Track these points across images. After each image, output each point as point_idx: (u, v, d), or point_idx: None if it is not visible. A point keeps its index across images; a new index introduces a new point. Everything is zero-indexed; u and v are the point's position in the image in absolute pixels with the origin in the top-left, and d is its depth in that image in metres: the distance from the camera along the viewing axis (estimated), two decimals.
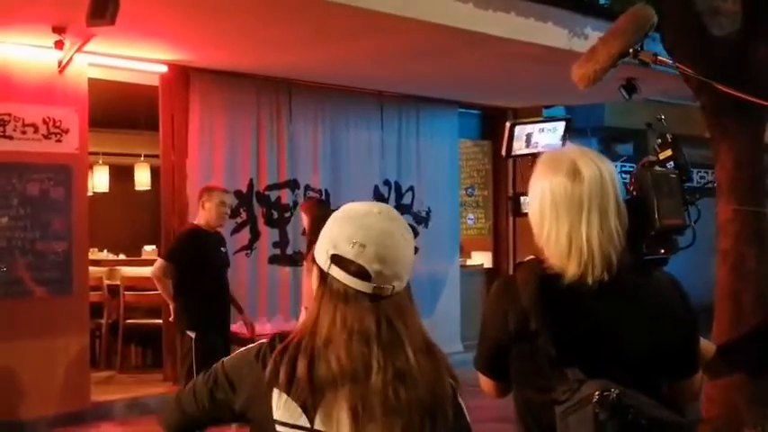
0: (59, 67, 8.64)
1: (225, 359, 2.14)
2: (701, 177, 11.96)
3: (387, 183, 11.77)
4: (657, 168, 2.64)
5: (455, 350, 11.48)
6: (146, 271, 10.50)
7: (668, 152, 2.69)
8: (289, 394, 1.92)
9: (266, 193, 10.53)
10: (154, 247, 12.28)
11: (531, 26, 8.71)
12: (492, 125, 13.24)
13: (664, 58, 3.07)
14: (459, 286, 12.61)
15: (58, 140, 8.73)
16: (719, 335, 5.28)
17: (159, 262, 7.59)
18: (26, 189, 8.53)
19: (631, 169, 2.63)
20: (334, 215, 2.04)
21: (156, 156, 10.63)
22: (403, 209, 11.84)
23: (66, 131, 8.77)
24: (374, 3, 7.47)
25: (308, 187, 10.83)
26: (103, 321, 10.66)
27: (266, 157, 10.52)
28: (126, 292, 10.56)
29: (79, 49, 8.40)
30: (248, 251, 10.27)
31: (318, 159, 11.04)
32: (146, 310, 10.31)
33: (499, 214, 13.59)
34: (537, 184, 2.45)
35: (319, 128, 11.06)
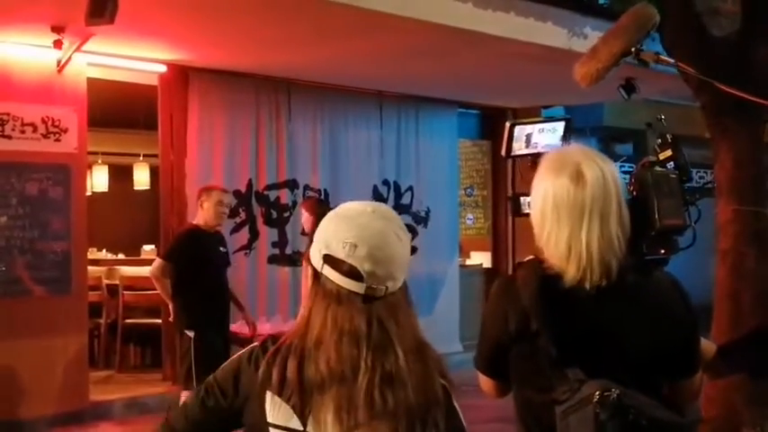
0: (58, 66, 8.63)
1: (217, 371, 2.12)
2: (701, 177, 11.96)
3: (386, 182, 11.77)
4: (657, 168, 2.64)
5: (454, 350, 11.48)
6: (145, 270, 10.50)
7: (668, 152, 2.69)
8: (280, 396, 1.91)
9: (265, 192, 10.53)
10: (153, 246, 12.27)
11: (531, 26, 8.71)
12: (491, 125, 13.23)
13: (665, 57, 3.07)
14: (458, 286, 12.61)
15: (57, 140, 8.72)
16: (719, 335, 5.28)
17: (158, 261, 7.59)
18: (25, 188, 8.53)
19: (631, 169, 2.63)
20: (329, 215, 2.03)
21: (156, 155, 10.63)
22: (402, 209, 11.84)
23: (65, 131, 8.77)
24: (373, 2, 7.47)
25: (307, 187, 10.83)
26: (102, 321, 10.66)
27: (265, 156, 10.51)
28: (125, 292, 10.55)
29: (78, 49, 8.41)
30: (247, 251, 10.27)
31: (317, 159, 11.04)
32: (145, 309, 10.32)
33: (498, 214, 13.59)
34: (540, 185, 2.44)
35: (318, 127, 11.06)
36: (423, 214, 12.17)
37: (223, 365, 2.11)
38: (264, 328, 9.55)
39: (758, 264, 5.38)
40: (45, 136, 8.65)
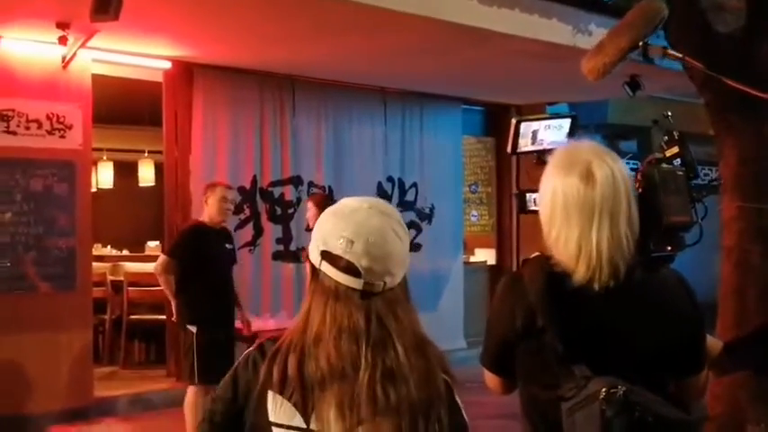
0: (63, 62, 8.65)
1: (217, 388, 2.11)
2: (705, 174, 11.96)
3: (390, 179, 11.77)
4: (664, 165, 2.64)
5: (458, 347, 11.51)
6: (149, 267, 10.52)
7: (675, 149, 2.69)
8: (282, 394, 1.91)
9: (270, 189, 10.54)
10: (157, 242, 12.29)
11: (535, 22, 8.70)
12: (495, 122, 13.24)
13: (673, 52, 3.07)
14: (462, 283, 12.61)
15: (62, 136, 8.73)
16: (723, 332, 5.27)
17: (162, 258, 7.59)
18: (30, 185, 8.54)
19: (635, 166, 2.62)
20: (327, 211, 2.03)
21: (160, 152, 10.64)
22: (406, 205, 11.85)
23: (70, 127, 8.78)
24: None
25: (311, 184, 10.84)
26: (107, 317, 10.68)
27: (270, 153, 10.52)
28: (129, 288, 10.57)
29: (83, 45, 8.42)
30: (251, 247, 10.29)
31: (322, 156, 11.04)
32: (149, 305, 10.33)
33: (503, 211, 13.59)
34: (549, 183, 2.44)
35: (322, 124, 11.07)
36: (427, 211, 12.17)
37: (222, 380, 2.11)
38: (269, 324, 9.57)
39: (763, 260, 5.37)
40: (50, 132, 8.66)
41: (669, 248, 2.57)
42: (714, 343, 2.73)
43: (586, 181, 2.36)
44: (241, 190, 9.90)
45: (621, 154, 2.47)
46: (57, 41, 8.07)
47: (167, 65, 9.64)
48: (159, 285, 7.77)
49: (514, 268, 2.26)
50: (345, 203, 2.01)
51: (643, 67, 8.44)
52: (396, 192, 11.83)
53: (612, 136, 14.40)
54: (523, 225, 12.92)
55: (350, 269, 1.92)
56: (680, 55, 3.16)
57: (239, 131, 10.25)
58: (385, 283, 1.94)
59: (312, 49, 9.12)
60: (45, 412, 8.43)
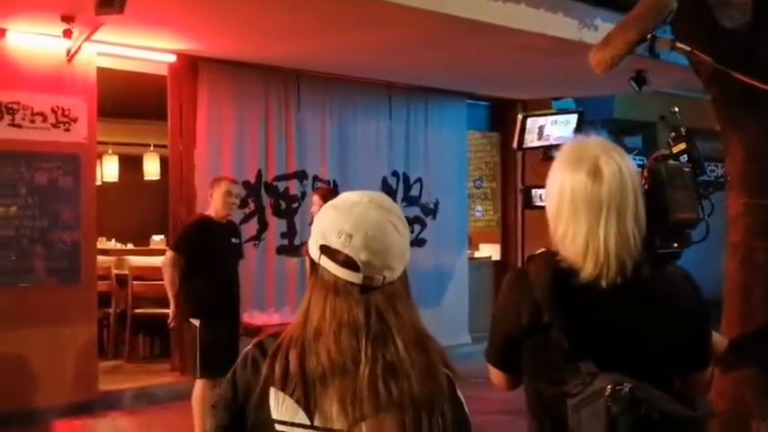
0: (68, 55, 8.65)
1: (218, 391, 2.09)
2: (712, 171, 11.94)
3: (395, 174, 11.76)
4: (671, 162, 2.63)
5: (463, 342, 11.52)
6: (154, 260, 10.54)
7: (682, 145, 2.67)
8: (284, 390, 1.90)
9: (274, 183, 10.53)
10: (162, 236, 12.29)
11: (541, 17, 8.68)
12: (501, 117, 13.23)
13: (681, 45, 3.05)
14: (467, 278, 12.61)
15: (67, 129, 8.73)
16: (729, 328, 5.26)
17: (168, 253, 7.59)
18: (34, 178, 8.55)
19: (641, 162, 2.61)
20: (326, 205, 2.02)
21: (166, 146, 10.63)
22: (411, 200, 11.85)
23: (75, 120, 8.78)
24: None
25: (316, 178, 10.83)
26: (111, 311, 10.69)
27: (274, 147, 10.52)
28: (134, 282, 10.57)
29: (88, 38, 8.41)
30: (256, 242, 10.28)
31: (327, 150, 11.04)
32: (154, 299, 10.30)
33: (508, 206, 13.58)
34: (556, 179, 2.43)
35: (327, 118, 11.06)
36: (432, 206, 12.17)
37: (221, 385, 2.08)
38: (273, 318, 9.56)
39: None
40: (55, 125, 8.66)
41: (675, 245, 2.56)
42: (719, 340, 2.72)
43: (594, 177, 2.35)
44: (246, 184, 9.88)
45: (627, 150, 2.47)
46: (62, 35, 8.06)
47: (172, 58, 9.63)
48: (163, 279, 7.76)
49: (519, 264, 2.25)
50: (345, 197, 2.01)
51: (649, 63, 8.41)
52: (400, 186, 11.82)
53: (618, 131, 14.36)
54: (528, 221, 12.88)
55: (349, 263, 1.91)
56: (688, 48, 3.15)
57: (244, 125, 10.25)
58: (384, 277, 1.93)
59: (317, 42, 9.10)
60: (50, 406, 8.44)
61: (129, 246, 13.18)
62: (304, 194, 10.64)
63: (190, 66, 9.83)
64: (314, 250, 1.97)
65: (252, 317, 8.03)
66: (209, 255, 7.36)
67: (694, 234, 2.61)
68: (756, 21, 5.52)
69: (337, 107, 11.16)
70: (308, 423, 1.89)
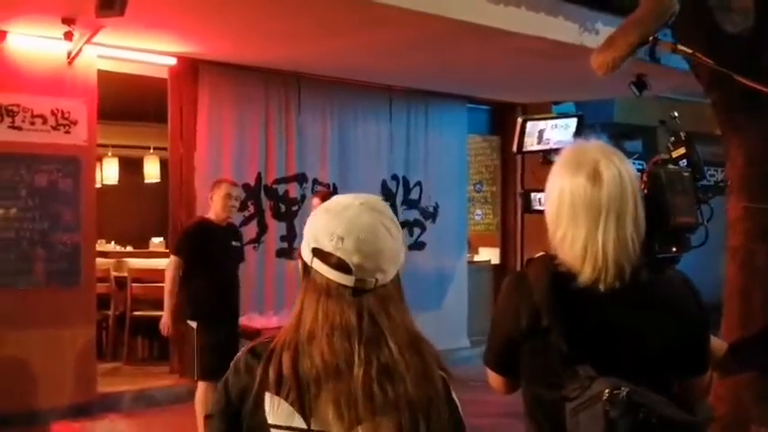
0: (68, 58, 8.65)
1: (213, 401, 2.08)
2: (711, 175, 11.94)
3: (395, 177, 11.76)
4: (670, 166, 2.63)
5: (462, 346, 11.52)
6: (153, 263, 10.55)
7: (682, 150, 2.67)
8: (278, 394, 1.89)
9: (274, 186, 10.53)
10: (161, 239, 12.29)
11: (542, 20, 8.68)
12: (501, 120, 13.23)
13: (683, 47, 3.05)
14: (466, 282, 12.59)
15: (67, 132, 8.73)
16: (728, 332, 5.26)
17: (171, 258, 7.59)
18: (34, 180, 8.55)
19: (641, 166, 2.61)
20: (318, 208, 2.02)
21: (166, 148, 10.63)
22: (410, 204, 11.85)
23: (75, 123, 8.78)
24: None
25: (315, 181, 10.83)
26: (110, 313, 10.68)
27: (274, 150, 10.51)
28: (133, 284, 10.57)
29: (88, 41, 8.41)
30: (256, 244, 10.28)
31: (327, 153, 11.03)
32: (153, 301, 10.29)
33: (507, 210, 13.58)
34: (556, 182, 2.43)
35: (328, 122, 11.06)
36: (431, 210, 12.16)
37: (215, 395, 2.07)
38: (272, 321, 9.56)
39: None
40: (55, 128, 8.66)
41: (674, 250, 2.56)
42: (719, 344, 2.72)
43: (593, 181, 2.35)
44: (245, 187, 9.88)
45: (627, 154, 2.46)
46: (62, 37, 8.05)
47: (173, 61, 9.63)
48: (163, 282, 7.75)
49: (518, 268, 2.25)
50: (337, 200, 2.01)
51: (650, 67, 8.43)
52: (400, 190, 11.82)
53: (618, 135, 14.39)
54: (528, 225, 12.88)
55: (341, 266, 1.91)
56: (690, 51, 3.14)
57: (244, 128, 10.25)
58: (377, 279, 1.92)
59: (318, 46, 9.10)
60: (48, 407, 8.44)
61: (129, 248, 13.17)
62: (304, 197, 10.63)
63: (190, 69, 9.83)
64: (306, 253, 1.97)
65: (251, 320, 8.03)
66: (208, 257, 7.36)
67: (693, 239, 2.61)
68: (759, 26, 5.52)
69: (337, 110, 11.16)
70: (305, 427, 1.88)
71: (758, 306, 5.32)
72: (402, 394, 1.86)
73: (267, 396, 1.91)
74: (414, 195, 11.98)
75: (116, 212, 13.45)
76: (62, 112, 8.69)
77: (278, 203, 10.56)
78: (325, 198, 8.27)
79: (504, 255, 13.61)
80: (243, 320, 7.83)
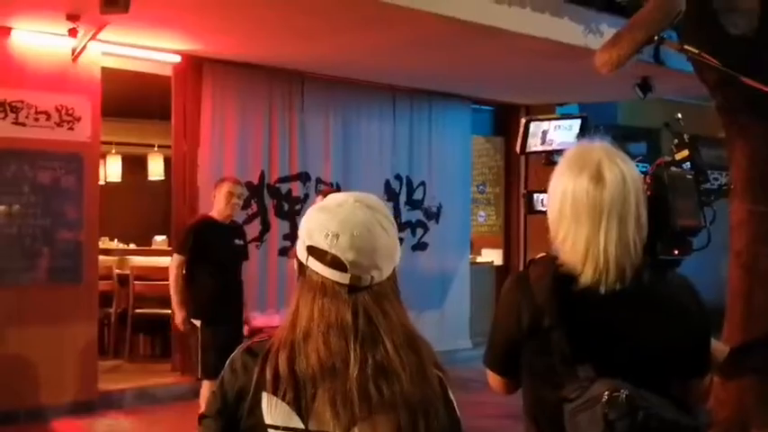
0: (73, 55, 8.66)
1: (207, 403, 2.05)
2: (715, 179, 11.94)
3: (398, 177, 11.76)
4: (674, 169, 2.62)
5: (464, 346, 11.51)
6: (156, 261, 10.56)
7: (685, 152, 2.67)
8: (275, 394, 1.88)
9: (277, 184, 10.53)
10: (164, 237, 12.29)
11: (546, 21, 8.67)
12: (504, 122, 13.22)
13: (689, 47, 3.04)
14: (468, 283, 12.58)
15: (70, 128, 8.74)
16: (730, 335, 5.26)
17: (174, 256, 7.59)
18: (37, 177, 8.55)
19: (644, 169, 2.60)
20: (313, 207, 2.02)
21: (170, 146, 10.63)
22: (414, 204, 11.85)
23: (79, 120, 8.78)
24: None
25: (319, 180, 10.83)
26: (112, 310, 10.68)
27: (278, 148, 10.52)
28: (135, 282, 10.57)
29: (93, 38, 8.42)
30: (258, 243, 10.28)
31: (330, 152, 11.04)
32: (155, 299, 10.31)
33: (510, 211, 13.57)
34: (558, 183, 2.42)
35: (331, 121, 11.06)
36: (434, 210, 12.16)
37: (209, 397, 2.06)
38: (273, 320, 9.56)
39: None
40: (58, 124, 8.66)
41: (677, 252, 2.55)
42: (720, 347, 2.71)
43: (596, 182, 2.34)
44: (249, 185, 9.87)
45: (631, 156, 2.46)
46: (67, 34, 8.06)
47: (177, 59, 9.64)
48: (165, 279, 7.76)
49: (522, 269, 2.25)
50: (331, 198, 2.00)
51: (654, 69, 8.42)
52: (403, 190, 11.82)
53: (622, 138, 14.33)
54: (531, 226, 12.89)
55: (335, 263, 1.90)
56: (696, 51, 3.13)
57: (248, 127, 10.25)
58: (372, 277, 1.91)
59: (322, 44, 9.10)
60: (50, 405, 8.44)
61: (132, 246, 13.17)
62: (307, 196, 10.63)
63: (194, 66, 9.83)
64: (301, 252, 1.96)
65: (253, 318, 8.02)
66: (211, 255, 7.36)
67: (695, 242, 2.60)
68: (763, 28, 5.52)
69: (341, 110, 11.16)
70: (303, 427, 1.87)
71: (760, 309, 5.32)
72: (398, 393, 1.85)
73: (264, 396, 1.89)
74: (417, 196, 11.98)
75: (119, 210, 13.46)
76: (66, 109, 8.69)
77: (281, 202, 10.56)
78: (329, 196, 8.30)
79: (506, 256, 13.60)
80: (246, 319, 7.82)
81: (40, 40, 8.53)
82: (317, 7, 7.76)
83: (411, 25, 8.20)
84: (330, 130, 11.05)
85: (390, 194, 11.55)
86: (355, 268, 1.90)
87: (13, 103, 8.40)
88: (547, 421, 2.44)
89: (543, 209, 2.72)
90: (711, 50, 5.42)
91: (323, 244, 1.91)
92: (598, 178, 2.35)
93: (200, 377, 7.25)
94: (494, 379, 2.63)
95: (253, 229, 10.17)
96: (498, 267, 13.42)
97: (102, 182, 10.60)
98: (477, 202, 13.92)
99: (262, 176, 10.38)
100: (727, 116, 5.55)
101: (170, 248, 9.54)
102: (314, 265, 1.92)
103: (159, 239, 12.76)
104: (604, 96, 11.70)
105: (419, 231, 11.95)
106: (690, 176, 2.62)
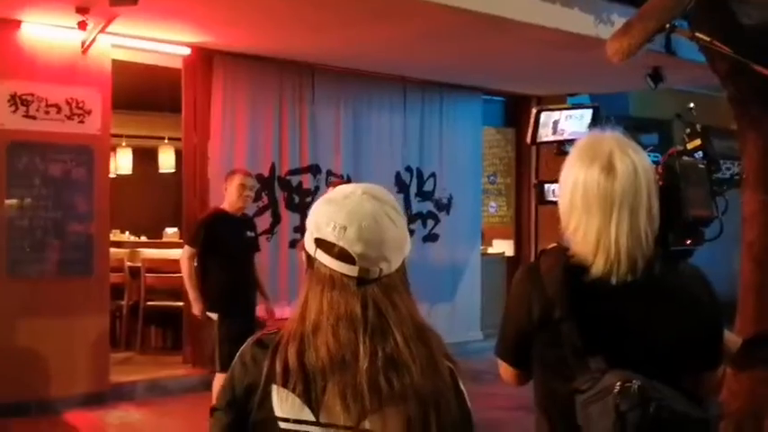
0: (83, 47, 8.66)
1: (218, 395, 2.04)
2: (727, 169, 11.88)
3: (409, 169, 11.75)
4: (685, 158, 2.60)
5: (475, 338, 11.51)
6: (167, 253, 10.57)
7: (697, 142, 2.65)
8: (285, 386, 1.87)
9: (288, 177, 10.53)
10: (176, 229, 12.31)
11: (557, 12, 8.64)
12: (515, 113, 13.19)
13: (701, 35, 3.01)
14: (479, 274, 12.58)
15: (81, 121, 8.75)
16: (743, 327, 5.22)
17: (185, 248, 7.59)
18: (48, 169, 8.56)
19: (656, 159, 2.58)
20: (320, 199, 2.01)
21: (181, 139, 10.64)
22: (424, 195, 11.84)
23: (89, 112, 8.79)
24: None
25: (329, 172, 10.83)
26: (124, 303, 10.71)
27: (288, 141, 10.52)
28: (147, 274, 10.61)
29: (102, 30, 8.42)
30: (269, 235, 10.28)
31: (340, 144, 11.03)
32: (166, 291, 10.35)
33: (521, 202, 13.54)
34: (570, 174, 2.41)
35: (342, 113, 11.05)
36: (445, 201, 12.15)
37: (219, 390, 2.05)
38: (285, 312, 9.56)
39: None
40: (69, 117, 8.67)
41: (688, 242, 2.53)
42: (733, 339, 2.70)
43: (607, 173, 2.33)
44: (259, 177, 9.87)
45: (642, 147, 2.44)
46: (76, 26, 8.05)
47: (187, 51, 9.63)
48: (177, 272, 7.77)
49: (533, 259, 2.24)
50: (338, 190, 1.99)
51: (666, 59, 8.38)
52: (414, 181, 11.81)
53: (633, 128, 14.30)
54: (542, 217, 12.87)
55: (343, 256, 1.89)
56: (708, 38, 3.11)
57: (258, 119, 10.25)
58: (381, 269, 1.90)
59: (332, 36, 9.09)
60: (61, 397, 8.47)
61: (143, 238, 13.20)
62: (317, 189, 10.63)
63: (205, 59, 9.83)
64: (309, 244, 1.95)
65: (275, 309, 8.03)
66: (223, 248, 7.37)
67: (707, 232, 2.59)
68: None
69: (352, 101, 11.15)
70: (314, 420, 1.86)
71: None
72: (408, 385, 1.84)
73: (274, 389, 1.89)
74: (428, 187, 11.97)
75: (130, 202, 13.48)
76: (76, 102, 8.70)
77: (291, 194, 10.57)
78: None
79: (518, 247, 13.59)
80: (260, 311, 7.83)
81: (49, 33, 8.53)
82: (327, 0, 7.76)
83: (421, 17, 8.18)
84: (341, 122, 11.05)
85: (401, 186, 11.54)
86: (363, 260, 1.88)
87: (24, 96, 8.41)
88: (558, 413, 2.43)
89: (554, 199, 2.70)
90: (723, 39, 5.39)
91: (330, 236, 1.90)
92: (609, 169, 2.33)
93: (219, 370, 7.21)
94: (505, 370, 2.62)
95: (263, 222, 10.17)
96: (509, 258, 13.41)
97: (112, 174, 10.63)
98: (487, 193, 13.90)
99: (272, 169, 10.38)
100: (738, 107, 5.51)
101: (181, 240, 9.56)
102: (322, 257, 1.91)
103: (170, 232, 12.78)
104: (615, 87, 11.65)
105: (430, 223, 11.94)
106: (702, 166, 2.60)
